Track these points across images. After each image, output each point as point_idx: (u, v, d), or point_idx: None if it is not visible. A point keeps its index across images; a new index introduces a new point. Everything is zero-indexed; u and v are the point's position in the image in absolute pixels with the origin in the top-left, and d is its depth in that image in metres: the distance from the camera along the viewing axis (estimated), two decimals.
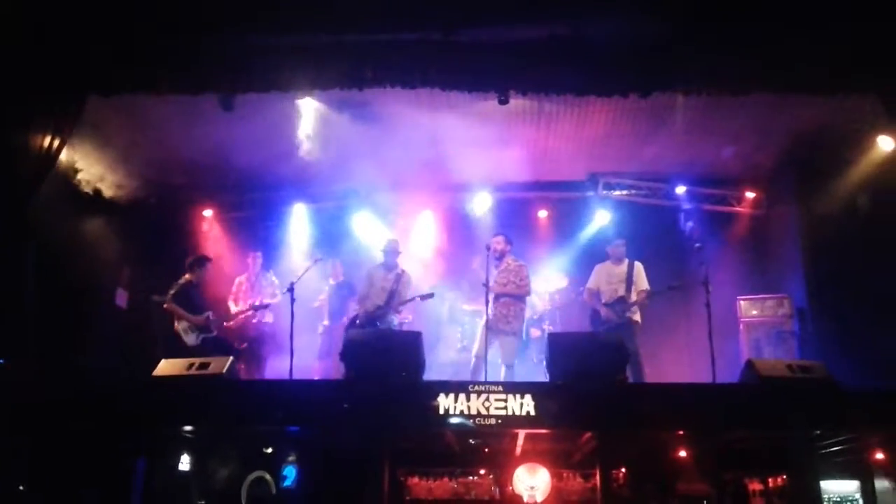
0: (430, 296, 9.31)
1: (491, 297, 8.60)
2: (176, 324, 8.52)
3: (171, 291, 8.56)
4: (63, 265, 8.55)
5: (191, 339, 8.48)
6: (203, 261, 8.93)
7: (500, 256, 8.87)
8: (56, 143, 7.74)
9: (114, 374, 8.54)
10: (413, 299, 9.16)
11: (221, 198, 11.47)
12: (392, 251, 9.26)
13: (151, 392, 6.64)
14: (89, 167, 9.34)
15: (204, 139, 9.56)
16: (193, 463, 7.34)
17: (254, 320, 9.88)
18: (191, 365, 6.79)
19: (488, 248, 8.71)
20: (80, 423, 6.48)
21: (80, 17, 7.44)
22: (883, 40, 7.32)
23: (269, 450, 7.42)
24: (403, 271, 9.22)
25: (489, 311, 8.54)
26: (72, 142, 8.19)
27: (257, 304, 9.61)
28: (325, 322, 10.56)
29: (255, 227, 11.48)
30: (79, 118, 7.96)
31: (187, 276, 8.73)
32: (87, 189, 9.48)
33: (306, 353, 9.55)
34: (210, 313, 8.68)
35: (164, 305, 8.53)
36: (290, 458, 7.41)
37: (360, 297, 9.25)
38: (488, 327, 8.44)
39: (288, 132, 9.38)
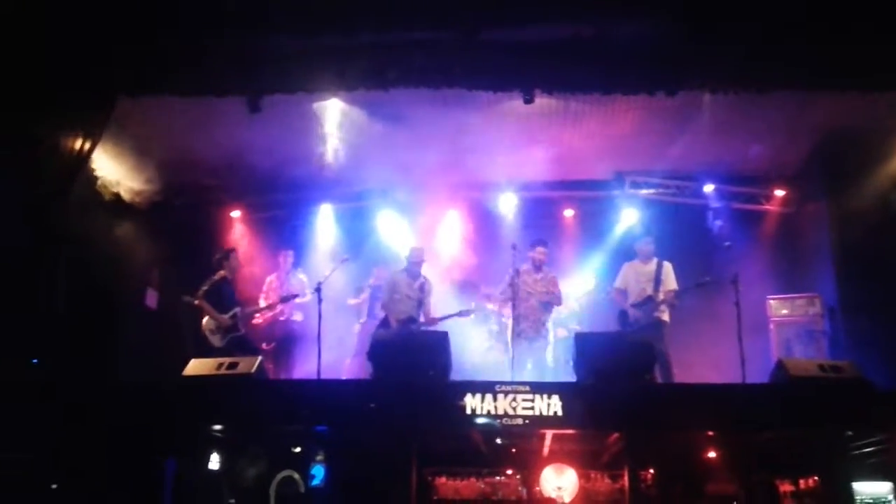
0: (468, 313, 9.26)
1: (534, 301, 8.78)
2: (203, 322, 8.58)
3: (204, 288, 8.60)
4: (93, 266, 8.66)
5: (216, 339, 8.53)
6: (229, 253, 8.98)
7: (541, 266, 9.04)
8: (87, 144, 7.85)
9: (144, 374, 8.65)
10: (450, 317, 9.13)
11: (248, 199, 11.53)
12: (418, 260, 9.25)
13: (181, 392, 6.72)
14: (118, 169, 9.45)
15: (230, 140, 9.61)
16: (223, 462, 7.40)
17: (282, 318, 9.95)
18: (220, 365, 6.87)
19: (514, 248, 8.74)
20: (111, 422, 6.56)
21: (108, 19, 7.52)
22: None
23: (298, 449, 7.46)
24: (426, 279, 9.22)
25: (519, 314, 8.64)
26: (101, 144, 8.28)
27: (284, 294, 9.61)
28: (363, 320, 10.62)
29: (283, 228, 11.54)
30: (108, 120, 8.06)
31: (220, 272, 8.78)
32: (115, 191, 9.58)
33: (339, 351, 9.62)
34: (238, 310, 8.70)
35: (195, 302, 8.58)
36: (319, 458, 7.45)
37: (384, 302, 9.20)
38: (520, 332, 8.59)
39: (313, 133, 9.44)
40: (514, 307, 8.67)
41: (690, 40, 7.66)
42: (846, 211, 9.69)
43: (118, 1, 7.47)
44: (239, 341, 8.62)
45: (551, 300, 8.98)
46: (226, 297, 8.69)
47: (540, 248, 9.07)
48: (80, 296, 8.24)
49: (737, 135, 9.73)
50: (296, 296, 9.56)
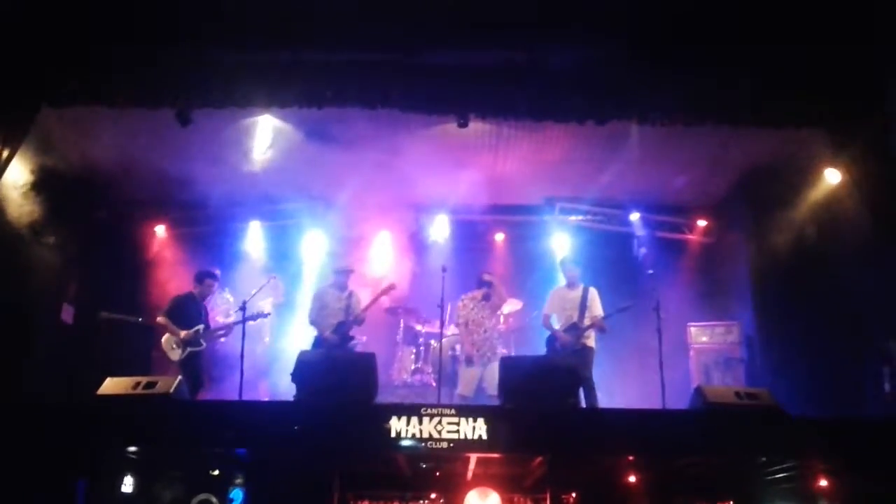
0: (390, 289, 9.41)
1: (484, 328, 8.93)
2: (163, 339, 8.45)
3: (166, 307, 8.57)
4: (7, 278, 8.33)
5: (175, 354, 8.40)
6: (202, 276, 8.87)
7: (489, 296, 9.15)
8: (5, 153, 7.56)
9: (56, 391, 8.34)
10: (376, 300, 9.23)
11: (174, 214, 11.31)
12: (346, 272, 9.21)
13: (95, 411, 6.48)
14: (37, 179, 9.11)
15: (157, 154, 9.42)
16: (137, 485, 7.17)
17: None
18: (137, 384, 6.66)
19: (444, 270, 8.77)
20: (20, 441, 6.28)
21: (33, 28, 7.30)
22: (831, 77, 7.55)
23: (216, 472, 7.28)
24: (353, 292, 9.17)
25: (472, 340, 8.87)
26: (21, 152, 7.98)
27: (230, 322, 9.30)
28: (266, 339, 10.46)
29: (208, 244, 11.32)
30: (29, 129, 7.79)
31: (191, 289, 8.76)
32: (34, 201, 9.23)
33: (250, 372, 9.44)
34: (201, 327, 8.54)
35: (158, 319, 8.50)
36: (238, 481, 7.29)
37: (312, 318, 9.03)
38: (471, 358, 8.78)
39: (244, 149, 9.32)
40: (441, 326, 8.76)
41: (621, 71, 7.85)
42: (765, 243, 10.00)
43: (45, 7, 7.25)
44: (200, 354, 8.53)
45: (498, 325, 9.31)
46: (189, 313, 8.58)
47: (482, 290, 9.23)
48: None
49: (663, 165, 9.99)
50: (266, 315, 9.37)
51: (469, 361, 8.79)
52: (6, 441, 6.24)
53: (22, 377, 8.39)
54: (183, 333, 8.41)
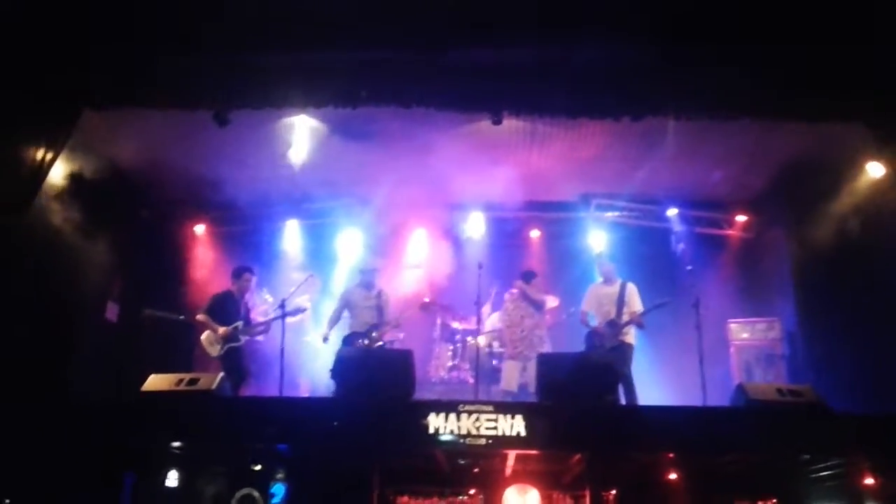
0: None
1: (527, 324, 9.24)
2: (202, 336, 8.60)
3: (205, 305, 8.70)
4: (54, 278, 8.51)
5: (214, 350, 8.54)
6: (241, 272, 8.96)
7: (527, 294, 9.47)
8: (49, 156, 7.71)
9: (102, 388, 8.50)
10: (409, 311, 9.33)
11: (214, 213, 11.46)
12: (373, 271, 9.39)
13: (139, 407, 6.61)
14: (79, 180, 9.30)
15: (196, 154, 9.56)
16: (181, 479, 7.29)
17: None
18: (180, 380, 6.77)
19: (480, 267, 8.81)
20: (68, 437, 6.43)
21: (74, 32, 7.44)
22: (870, 69, 7.41)
23: (258, 467, 7.37)
24: (381, 290, 9.29)
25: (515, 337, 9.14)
26: (65, 154, 8.16)
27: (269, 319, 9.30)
28: (307, 337, 10.58)
29: (246, 243, 11.46)
30: (71, 131, 7.95)
31: (229, 286, 8.86)
32: (77, 202, 9.42)
33: (290, 369, 9.56)
34: (239, 323, 8.65)
35: (198, 317, 8.65)
36: (279, 476, 7.38)
37: (333, 319, 9.25)
38: (517, 355, 9.07)
39: (281, 148, 9.40)
40: (478, 322, 8.88)
41: (655, 67, 7.78)
42: (805, 237, 9.87)
43: (85, 11, 7.39)
44: (239, 350, 8.63)
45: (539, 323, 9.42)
46: (229, 309, 8.69)
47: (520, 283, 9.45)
48: (40, 307, 8.08)
49: (700, 160, 9.89)
50: (304, 309, 9.46)
51: (512, 359, 8.87)
52: (55, 437, 6.39)
53: (69, 375, 8.58)
54: (221, 330, 8.51)
